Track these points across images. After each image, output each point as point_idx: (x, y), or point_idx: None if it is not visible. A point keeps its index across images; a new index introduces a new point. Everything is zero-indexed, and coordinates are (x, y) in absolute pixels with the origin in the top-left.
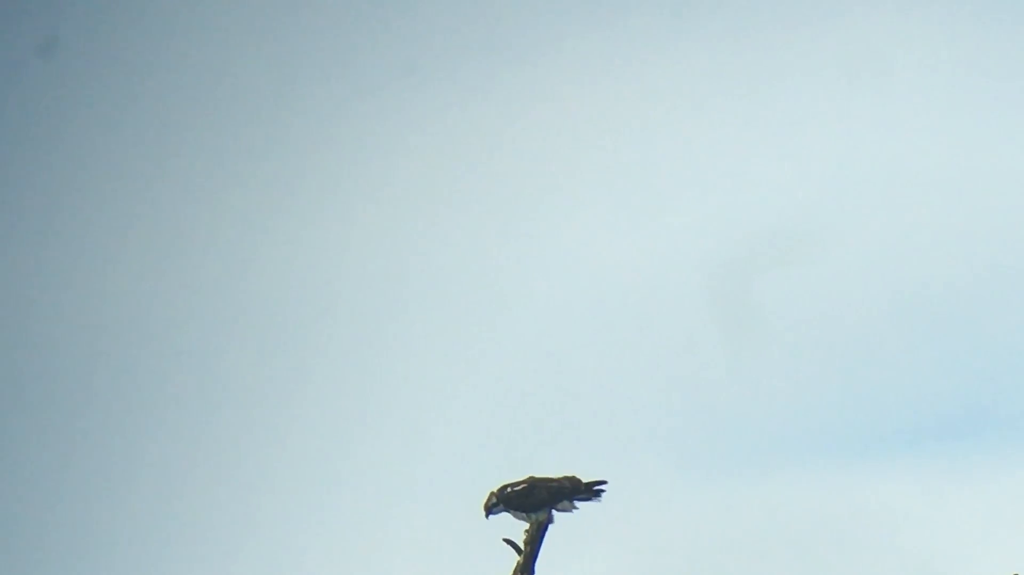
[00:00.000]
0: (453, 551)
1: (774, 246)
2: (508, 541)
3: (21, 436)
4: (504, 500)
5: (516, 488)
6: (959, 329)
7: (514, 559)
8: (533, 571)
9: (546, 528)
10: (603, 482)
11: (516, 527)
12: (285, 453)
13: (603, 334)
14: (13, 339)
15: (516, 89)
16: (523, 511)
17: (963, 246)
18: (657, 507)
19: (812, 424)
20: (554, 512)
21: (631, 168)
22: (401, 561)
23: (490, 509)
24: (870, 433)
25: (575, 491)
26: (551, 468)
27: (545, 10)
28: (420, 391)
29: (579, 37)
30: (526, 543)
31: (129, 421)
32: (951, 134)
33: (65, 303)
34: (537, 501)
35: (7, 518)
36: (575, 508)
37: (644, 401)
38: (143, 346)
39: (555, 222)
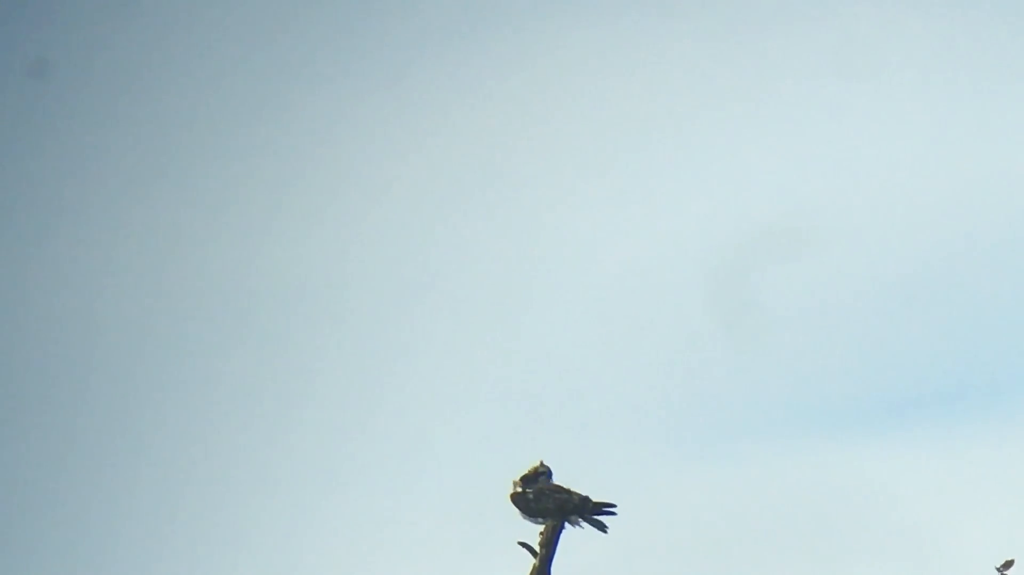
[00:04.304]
0: (468, 555)
1: (771, 242)
2: (523, 544)
3: (21, 436)
4: (514, 501)
5: (526, 492)
6: (952, 317)
7: (529, 562)
8: (549, 573)
9: (561, 531)
10: (612, 506)
11: (531, 531)
12: (292, 455)
13: (604, 330)
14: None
15: (515, 88)
16: (530, 515)
17: (957, 238)
18: (661, 494)
19: (809, 408)
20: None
21: (629, 166)
22: (415, 564)
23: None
24: (865, 416)
25: (583, 508)
26: (554, 461)
27: (544, 10)
28: (424, 384)
29: (576, 36)
30: (541, 546)
31: (132, 422)
32: (945, 128)
33: (59, 316)
34: (543, 509)
35: (7, 518)
36: (580, 526)
37: (645, 392)
38: (148, 354)
39: (554, 220)
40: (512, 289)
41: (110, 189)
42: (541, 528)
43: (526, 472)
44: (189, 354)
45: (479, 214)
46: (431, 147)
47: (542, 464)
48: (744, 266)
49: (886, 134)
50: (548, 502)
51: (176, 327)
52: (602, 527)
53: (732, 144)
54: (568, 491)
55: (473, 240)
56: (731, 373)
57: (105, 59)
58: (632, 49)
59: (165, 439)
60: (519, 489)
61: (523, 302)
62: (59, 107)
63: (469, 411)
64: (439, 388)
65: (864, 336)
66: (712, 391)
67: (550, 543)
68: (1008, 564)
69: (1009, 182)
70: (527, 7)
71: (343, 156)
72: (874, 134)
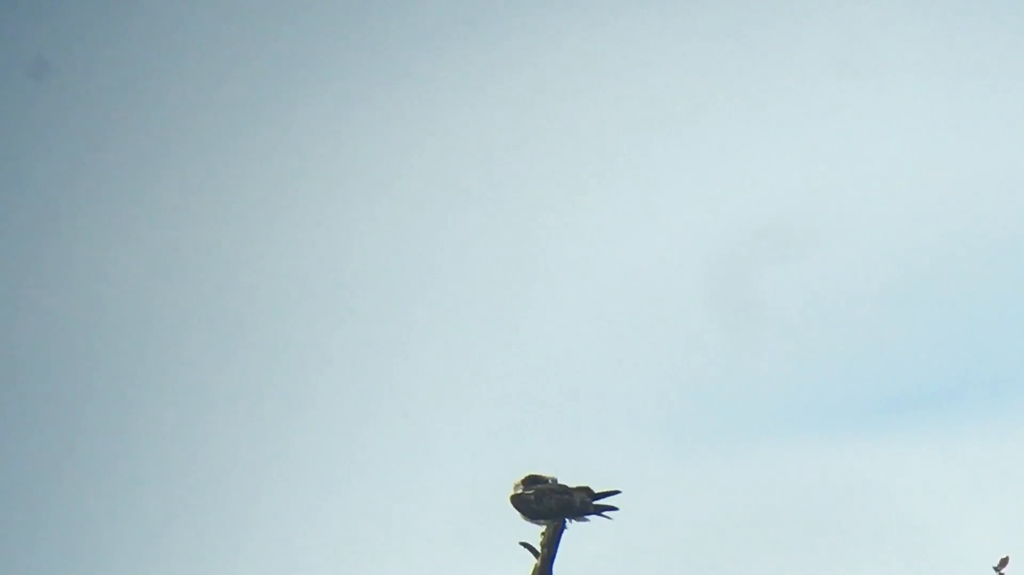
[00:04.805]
0: (470, 556)
1: (771, 241)
2: (525, 544)
3: (21, 436)
4: (514, 503)
5: (527, 493)
6: (951, 317)
7: (531, 563)
8: (551, 573)
9: (562, 531)
10: (614, 506)
11: (532, 532)
12: (293, 455)
13: (604, 329)
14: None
15: (515, 89)
16: (530, 517)
17: (957, 238)
18: (661, 493)
19: (808, 407)
20: (567, 520)
21: (629, 166)
22: (417, 565)
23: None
24: (864, 414)
25: (584, 507)
26: (555, 461)
27: (544, 10)
28: (425, 383)
29: (577, 36)
30: (543, 546)
31: (133, 421)
32: (945, 127)
33: (59, 316)
34: (545, 509)
35: (7, 518)
36: (585, 521)
37: (645, 391)
38: (148, 354)
39: (555, 220)
40: (513, 289)
41: (110, 189)
42: (542, 529)
43: (529, 475)
44: (189, 354)
45: (480, 214)
46: (431, 149)
47: (551, 480)
48: (744, 265)
49: (886, 133)
50: (550, 502)
51: (176, 327)
52: (607, 515)
53: (733, 144)
54: (570, 491)
55: (474, 240)
56: (731, 372)
57: (104, 59)
58: (632, 49)
59: (165, 439)
60: (520, 491)
61: (524, 302)
62: (58, 107)
63: (470, 411)
64: (440, 388)
65: (863, 335)
66: (712, 389)
67: (552, 543)
68: (1004, 562)
69: (1008, 181)
70: (527, 8)
71: (344, 157)
72: (874, 133)
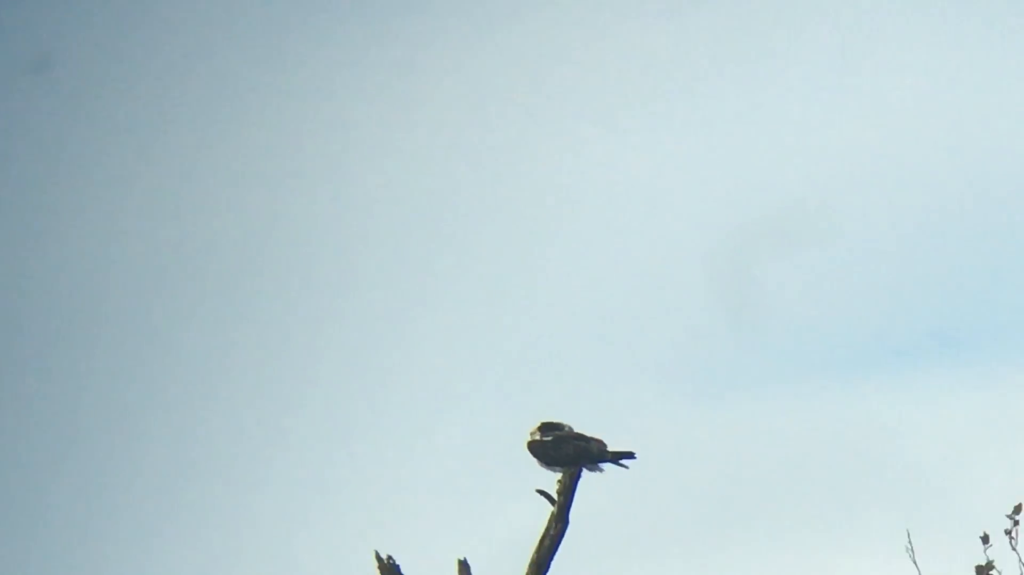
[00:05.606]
0: (487, 503)
1: (775, 231)
2: (542, 492)
3: (21, 436)
4: (531, 449)
5: (545, 439)
6: (951, 314)
7: (548, 510)
8: (567, 520)
9: (578, 478)
10: (630, 454)
11: (549, 480)
12: (307, 403)
13: (606, 325)
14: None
15: (514, 78)
16: (546, 463)
17: (961, 228)
18: (676, 441)
19: (813, 350)
20: (583, 468)
21: (632, 154)
22: (434, 513)
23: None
24: (875, 362)
25: (601, 456)
26: (571, 408)
27: (541, 3)
28: (442, 345)
29: (574, 25)
30: (559, 493)
31: (135, 422)
32: (951, 116)
33: (59, 316)
34: (562, 455)
35: (7, 518)
36: (600, 470)
37: (645, 381)
38: (148, 353)
39: (555, 213)
40: (511, 284)
41: (111, 187)
42: (559, 476)
43: (544, 422)
44: (189, 344)
45: (481, 203)
46: (431, 147)
47: (567, 427)
48: (748, 257)
49: (891, 122)
50: (568, 448)
51: (176, 324)
52: (624, 463)
53: (736, 133)
54: (587, 439)
55: (476, 229)
56: (732, 359)
57: (109, 54)
58: (634, 37)
59: (166, 427)
60: (536, 437)
61: (522, 296)
62: (62, 103)
63: (486, 368)
64: (456, 347)
65: (864, 331)
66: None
67: (568, 491)
68: (1018, 509)
69: (1015, 173)
70: (524, 4)
71: (343, 155)
72: (879, 122)
